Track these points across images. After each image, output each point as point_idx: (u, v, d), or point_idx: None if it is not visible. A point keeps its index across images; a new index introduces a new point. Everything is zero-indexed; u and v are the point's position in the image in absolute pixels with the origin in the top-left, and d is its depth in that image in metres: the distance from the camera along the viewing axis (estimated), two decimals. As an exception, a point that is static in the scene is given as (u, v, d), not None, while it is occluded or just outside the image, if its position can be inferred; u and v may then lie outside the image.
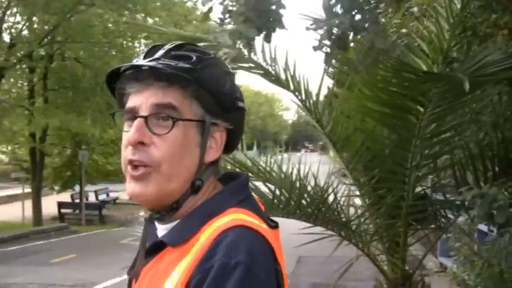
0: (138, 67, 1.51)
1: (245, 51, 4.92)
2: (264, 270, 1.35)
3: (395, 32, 6.49)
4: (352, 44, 5.72)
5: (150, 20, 27.19)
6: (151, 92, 1.49)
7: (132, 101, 1.51)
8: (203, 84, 1.49)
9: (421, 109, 4.74)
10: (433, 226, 6.10)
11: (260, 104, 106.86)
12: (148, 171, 1.47)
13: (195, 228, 1.46)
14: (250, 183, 5.51)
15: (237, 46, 3.96)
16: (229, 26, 3.93)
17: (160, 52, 1.53)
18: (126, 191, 1.53)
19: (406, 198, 5.43)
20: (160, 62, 1.49)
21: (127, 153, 1.51)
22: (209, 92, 1.50)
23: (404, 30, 6.49)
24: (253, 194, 1.63)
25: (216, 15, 4.17)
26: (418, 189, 5.88)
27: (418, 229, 6.16)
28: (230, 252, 1.33)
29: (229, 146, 1.62)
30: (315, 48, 4.72)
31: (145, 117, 1.47)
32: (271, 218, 1.61)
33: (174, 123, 1.46)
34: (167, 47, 1.55)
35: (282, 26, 3.86)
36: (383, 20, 6.03)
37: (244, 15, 3.69)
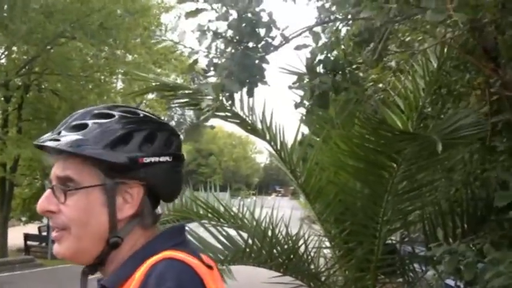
0: (39, 144, 1.66)
1: (227, 104, 5.00)
2: None
3: (372, 86, 6.59)
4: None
5: (129, 57, 27.26)
6: (57, 163, 1.63)
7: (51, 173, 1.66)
8: (93, 153, 1.57)
9: (395, 166, 4.82)
10: (401, 280, 6.14)
11: (233, 145, 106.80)
12: (62, 234, 1.60)
13: (132, 270, 1.52)
14: (221, 229, 5.55)
15: (220, 98, 4.02)
16: (213, 79, 4.00)
17: (64, 125, 1.65)
18: None
19: (376, 251, 5.48)
20: (59, 136, 1.62)
21: None
22: (102, 159, 1.57)
23: (381, 85, 6.59)
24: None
25: (200, 65, 4.23)
26: (388, 242, 5.93)
27: (387, 283, 6.19)
28: (160, 281, 1.40)
29: (161, 197, 1.70)
30: (296, 106, 4.80)
31: (52, 187, 1.61)
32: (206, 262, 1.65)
33: (66, 194, 1.58)
34: (72, 117, 1.67)
35: (265, 82, 3.93)
36: (361, 74, 6.13)
37: (228, 69, 3.76)
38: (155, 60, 27.37)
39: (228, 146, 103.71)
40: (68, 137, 1.58)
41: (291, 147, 5.79)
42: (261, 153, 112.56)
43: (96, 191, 1.58)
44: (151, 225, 1.66)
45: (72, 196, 1.57)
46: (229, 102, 4.45)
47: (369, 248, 5.54)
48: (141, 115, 1.68)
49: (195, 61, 4.01)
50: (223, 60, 3.84)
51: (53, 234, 1.61)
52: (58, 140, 1.58)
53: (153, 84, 6.01)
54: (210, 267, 1.60)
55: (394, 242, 6.24)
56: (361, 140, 4.80)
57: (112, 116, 1.63)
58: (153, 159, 1.61)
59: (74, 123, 1.62)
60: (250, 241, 5.35)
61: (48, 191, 1.61)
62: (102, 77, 27.51)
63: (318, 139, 5.95)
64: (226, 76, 3.73)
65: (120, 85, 26.66)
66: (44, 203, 1.60)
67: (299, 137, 6.08)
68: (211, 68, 3.90)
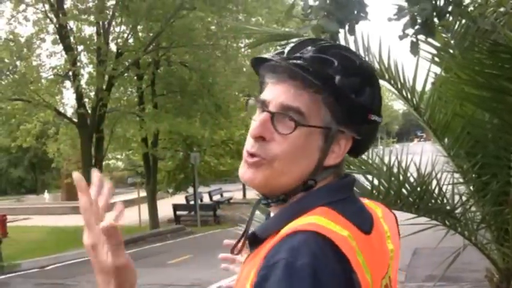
0: (275, 61, 1.55)
1: (342, 43, 4.88)
2: (329, 278, 1.33)
3: (493, 12, 6.26)
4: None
5: (252, 20, 27.39)
6: (284, 88, 1.52)
7: (266, 93, 1.56)
8: (336, 94, 1.50)
9: (521, 90, 4.56)
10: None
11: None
12: (261, 162, 1.52)
13: (281, 224, 1.47)
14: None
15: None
16: (313, 21, 3.89)
17: (304, 51, 1.55)
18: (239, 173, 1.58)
19: (513, 183, 5.24)
20: (299, 62, 1.51)
21: (247, 142, 1.56)
22: (341, 103, 1.51)
23: (502, 9, 6.25)
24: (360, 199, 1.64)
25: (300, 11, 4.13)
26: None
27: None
28: (296, 253, 1.33)
29: (356, 152, 1.64)
30: (400, 38, 4.61)
31: (272, 114, 1.51)
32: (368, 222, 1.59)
33: (296, 128, 1.49)
34: (313, 47, 1.56)
35: (365, 18, 3.79)
36: (479, 0, 5.82)
37: (324, 9, 3.64)
38: (277, 19, 27.34)
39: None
40: (315, 67, 1.49)
41: (412, 84, 5.60)
42: (399, 101, 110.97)
43: (318, 132, 1.51)
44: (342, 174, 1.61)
45: (292, 131, 1.49)
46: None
47: (505, 180, 5.30)
48: (370, 69, 1.63)
49: (292, 5, 3.92)
50: (317, 2, 3.72)
51: (249, 158, 1.54)
52: (305, 67, 1.49)
53: (265, 35, 5.96)
54: (368, 232, 1.53)
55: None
56: (481, 66, 4.57)
57: (355, 61, 1.56)
58: (375, 117, 1.56)
59: (318, 55, 1.53)
60: (376, 182, 5.23)
61: (265, 116, 1.52)
62: (228, 43, 27.79)
63: (437, 72, 5.73)
64: (324, 16, 3.62)
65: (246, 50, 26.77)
66: (260, 128, 1.51)
67: (418, 73, 5.86)
68: (308, 11, 3.80)
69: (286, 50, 1.57)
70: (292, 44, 1.59)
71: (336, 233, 1.40)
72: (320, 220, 1.42)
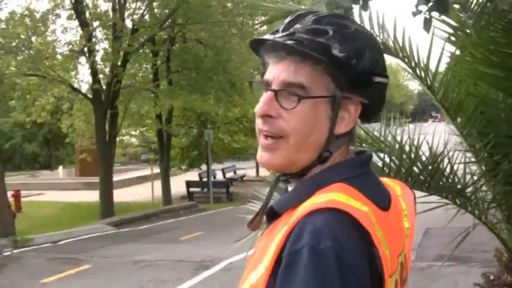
0: (271, 41, 1.58)
1: (357, 20, 4.86)
2: (353, 256, 1.36)
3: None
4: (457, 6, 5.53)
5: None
6: (285, 66, 1.56)
7: (268, 73, 1.60)
8: (335, 61, 1.52)
9: (535, 69, 4.54)
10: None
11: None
12: (278, 142, 1.55)
13: (300, 198, 1.50)
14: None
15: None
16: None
17: (298, 26, 1.57)
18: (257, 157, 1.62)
19: (525, 163, 5.23)
20: (295, 36, 1.54)
21: (258, 122, 1.60)
22: (341, 69, 1.53)
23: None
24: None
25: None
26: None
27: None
28: (318, 236, 1.35)
29: (367, 117, 1.67)
30: (414, 14, 4.59)
31: (275, 92, 1.55)
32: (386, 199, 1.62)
33: (299, 101, 1.52)
34: (307, 19, 1.59)
35: (379, -8, 3.78)
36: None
37: (338, -16, 3.64)
38: (293, -5, 27.23)
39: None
40: (309, 40, 1.53)
41: (426, 63, 5.59)
42: (414, 80, 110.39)
43: (324, 102, 1.54)
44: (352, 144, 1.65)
45: (300, 104, 1.52)
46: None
47: (517, 160, 5.30)
48: (368, 34, 1.65)
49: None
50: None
51: (264, 141, 1.57)
52: (298, 41, 1.53)
53: (278, 11, 5.96)
54: (385, 209, 1.56)
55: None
56: (496, 45, 4.55)
57: (350, 27, 1.58)
58: (380, 79, 1.59)
59: (313, 27, 1.55)
60: (387, 159, 5.24)
61: (269, 95, 1.56)
62: (243, 20, 27.70)
63: (451, 51, 5.70)
64: (337, -8, 3.62)
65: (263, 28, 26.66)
66: (265, 106, 1.55)
67: (433, 52, 5.84)
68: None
69: (280, 28, 1.59)
70: (287, 20, 1.61)
71: (356, 209, 1.42)
72: (339, 197, 1.44)
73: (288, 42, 1.53)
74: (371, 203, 1.49)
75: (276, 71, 1.56)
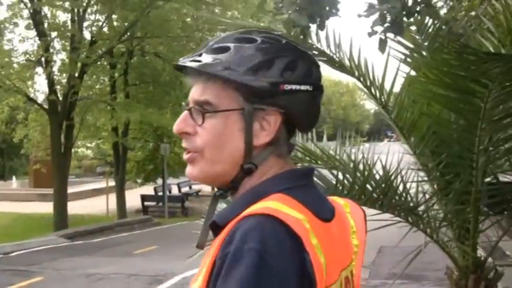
0: (179, 65, 1.65)
1: (314, 42, 4.94)
2: (278, 259, 1.38)
3: (465, 16, 6.37)
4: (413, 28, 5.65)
5: (228, 13, 27.38)
6: (196, 86, 1.63)
7: (189, 95, 1.65)
8: (234, 76, 1.55)
9: (485, 91, 4.62)
10: (505, 212, 5.97)
11: (341, 94, 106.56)
12: (194, 156, 1.62)
13: (238, 210, 1.51)
14: (315, 171, 5.51)
15: (292, 34, 3.97)
16: (284, 15, 3.95)
17: (205, 48, 1.63)
18: None
19: (475, 183, 5.33)
20: (200, 57, 1.60)
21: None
22: (243, 83, 1.56)
23: (473, 13, 6.36)
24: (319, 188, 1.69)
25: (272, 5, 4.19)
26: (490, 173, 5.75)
27: (490, 215, 6.03)
28: (243, 238, 1.38)
29: (299, 128, 1.68)
30: (370, 35, 4.69)
31: (189, 110, 1.62)
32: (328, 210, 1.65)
33: (204, 116, 1.58)
34: (214, 40, 1.65)
35: (336, 14, 3.85)
36: (451, 3, 5.91)
37: (296, 4, 3.70)
38: (252, 13, 27.34)
39: (335, 95, 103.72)
40: (207, 58, 1.58)
41: (381, 82, 5.69)
42: (370, 100, 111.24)
43: (235, 115, 1.57)
44: (286, 155, 1.66)
45: (210, 119, 1.57)
46: (301, 37, 4.37)
47: (468, 180, 5.39)
48: (284, 42, 1.64)
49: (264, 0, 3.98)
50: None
51: (185, 156, 1.64)
52: (199, 61, 1.58)
53: (237, 27, 6.02)
54: (326, 220, 1.58)
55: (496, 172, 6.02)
56: (449, 67, 4.64)
57: (255, 40, 1.60)
58: (294, 86, 1.58)
59: (216, 45, 1.60)
60: (341, 176, 5.31)
61: (185, 113, 1.62)
62: (202, 36, 27.78)
63: (406, 72, 5.81)
64: (295, 11, 3.68)
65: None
66: (181, 124, 1.62)
67: (388, 72, 5.94)
68: (280, 5, 3.86)
69: (202, 50, 1.64)
70: (212, 42, 1.65)
71: (288, 215, 1.44)
72: (275, 204, 1.47)
73: (189, 64, 1.60)
74: (308, 212, 1.51)
75: (191, 92, 1.63)
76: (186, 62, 1.61)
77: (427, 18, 5.15)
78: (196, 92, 1.61)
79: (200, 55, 1.60)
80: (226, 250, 1.39)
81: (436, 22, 5.72)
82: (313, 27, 4.85)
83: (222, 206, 1.74)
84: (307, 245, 1.43)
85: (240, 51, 1.57)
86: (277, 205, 1.46)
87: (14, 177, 48.07)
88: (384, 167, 5.66)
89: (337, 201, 1.79)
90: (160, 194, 33.43)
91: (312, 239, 1.45)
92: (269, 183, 1.58)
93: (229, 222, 1.49)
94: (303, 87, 1.60)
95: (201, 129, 1.59)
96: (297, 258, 1.41)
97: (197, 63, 1.58)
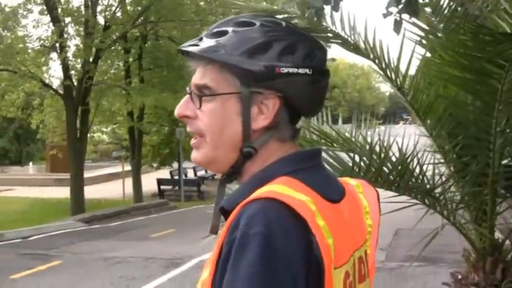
0: (184, 50, 1.66)
1: (327, 23, 4.91)
2: (284, 243, 1.38)
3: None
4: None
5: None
6: (198, 70, 1.64)
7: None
8: (230, 59, 1.56)
9: (502, 72, 4.58)
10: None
11: (356, 76, 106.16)
12: (200, 141, 1.64)
13: (244, 195, 1.51)
14: (332, 153, 5.50)
15: (306, 15, 3.94)
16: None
17: (205, 32, 1.65)
18: None
19: (492, 165, 5.29)
20: (200, 41, 1.62)
21: None
22: (238, 66, 1.56)
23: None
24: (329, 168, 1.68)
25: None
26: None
27: (507, 197, 5.99)
28: (250, 222, 1.39)
29: (300, 112, 1.67)
30: (384, 16, 4.65)
31: (190, 94, 1.63)
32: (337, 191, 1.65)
33: (201, 100, 1.60)
34: (215, 24, 1.67)
35: (350, -6, 3.82)
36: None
37: (310, -16, 3.68)
38: (266, -5, 27.27)
39: (350, 78, 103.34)
40: (206, 43, 1.59)
41: (396, 64, 5.65)
42: (386, 82, 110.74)
43: (232, 99, 1.58)
44: (290, 139, 1.65)
45: (208, 103, 1.59)
46: (316, 19, 4.33)
47: (485, 162, 5.35)
48: (284, 25, 1.64)
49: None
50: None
51: (192, 141, 1.66)
52: (198, 46, 1.60)
53: (251, 10, 5.98)
54: (334, 201, 1.58)
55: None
56: (465, 48, 4.60)
57: (253, 24, 1.60)
58: (291, 70, 1.57)
59: (215, 30, 1.62)
60: (357, 159, 5.30)
61: (186, 97, 1.65)
62: (216, 19, 27.70)
63: (421, 54, 5.76)
64: (309, -9, 3.65)
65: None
66: (181, 108, 1.65)
67: (404, 54, 5.90)
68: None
69: (203, 35, 1.66)
70: (212, 27, 1.66)
71: (293, 198, 1.44)
72: (279, 188, 1.47)
73: (189, 48, 1.62)
74: (315, 194, 1.51)
75: (194, 76, 1.64)
76: (187, 46, 1.62)
77: (443, -1, 5.10)
78: (197, 76, 1.63)
79: (201, 39, 1.62)
80: (233, 236, 1.40)
81: (451, 3, 5.68)
82: (327, 9, 4.83)
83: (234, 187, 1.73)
84: (313, 226, 1.43)
85: (237, 34, 1.58)
86: (281, 188, 1.47)
87: (30, 163, 48.41)
88: (400, 149, 5.63)
89: (349, 182, 1.79)
90: (176, 177, 33.54)
91: (319, 221, 1.45)
92: (274, 167, 1.59)
93: (236, 206, 1.50)
94: (301, 71, 1.58)
95: (201, 113, 1.61)
96: (303, 240, 1.41)
97: (196, 47, 1.59)
